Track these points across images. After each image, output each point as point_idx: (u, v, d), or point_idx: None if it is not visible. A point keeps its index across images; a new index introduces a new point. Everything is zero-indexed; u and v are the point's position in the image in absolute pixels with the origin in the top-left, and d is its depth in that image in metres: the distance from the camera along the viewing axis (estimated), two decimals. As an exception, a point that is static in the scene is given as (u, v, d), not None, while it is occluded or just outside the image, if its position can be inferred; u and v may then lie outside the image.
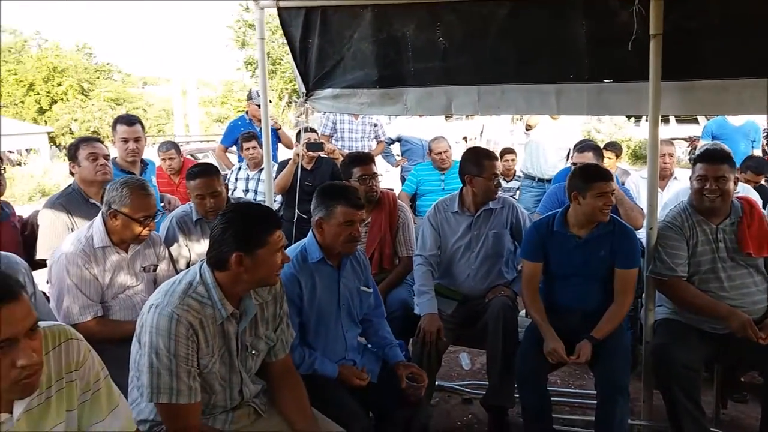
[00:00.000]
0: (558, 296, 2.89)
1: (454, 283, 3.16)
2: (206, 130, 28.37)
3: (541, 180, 5.39)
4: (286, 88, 26.68)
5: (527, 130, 5.48)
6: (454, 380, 3.72)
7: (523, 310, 3.13)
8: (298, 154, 4.18)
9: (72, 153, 3.10)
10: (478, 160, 3.06)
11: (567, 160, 5.13)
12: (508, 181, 6.16)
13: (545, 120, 5.29)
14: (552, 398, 2.81)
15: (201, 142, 16.55)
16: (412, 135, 5.75)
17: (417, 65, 3.27)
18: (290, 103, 31.87)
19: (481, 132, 20.70)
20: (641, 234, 3.16)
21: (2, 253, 2.10)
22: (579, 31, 2.90)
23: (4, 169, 2.95)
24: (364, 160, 3.27)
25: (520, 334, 2.92)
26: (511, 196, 5.85)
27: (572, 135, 5.30)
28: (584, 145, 4.20)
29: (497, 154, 4.36)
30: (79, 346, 1.53)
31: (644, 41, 2.63)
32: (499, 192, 3.14)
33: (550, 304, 2.85)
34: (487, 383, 3.09)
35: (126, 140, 3.56)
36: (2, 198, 3.02)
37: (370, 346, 2.64)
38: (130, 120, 3.64)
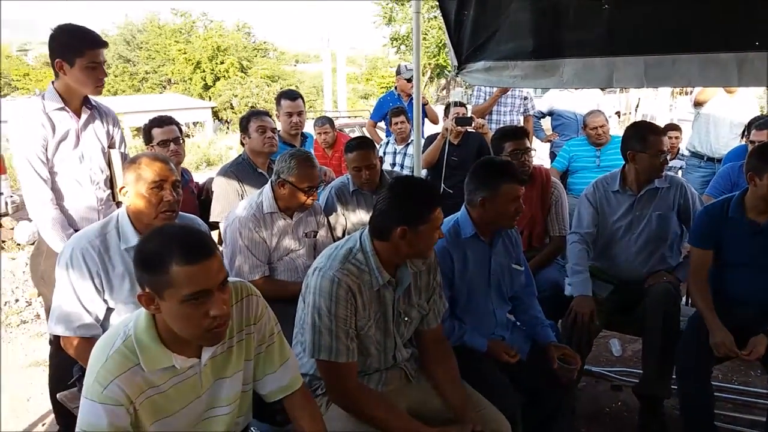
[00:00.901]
0: (729, 287, 2.64)
1: (611, 266, 3.01)
2: (352, 106, 29.32)
3: (710, 159, 4.91)
4: (429, 63, 26.71)
5: (696, 105, 5.01)
6: (603, 365, 3.58)
7: (684, 298, 2.92)
8: (447, 129, 4.17)
9: (243, 125, 3.35)
10: (642, 135, 2.85)
11: (741, 138, 4.63)
12: (670, 160, 5.72)
13: (719, 93, 4.80)
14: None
15: (348, 117, 17.11)
16: (565, 108, 5.48)
17: (576, 35, 3.09)
18: (432, 78, 31.89)
19: (637, 106, 19.32)
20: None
21: (186, 215, 2.30)
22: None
23: (183, 140, 3.27)
24: (516, 134, 3.18)
25: (682, 323, 2.73)
26: (672, 176, 5.45)
27: (750, 110, 4.76)
28: (765, 122, 3.77)
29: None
30: (258, 302, 1.68)
31: None
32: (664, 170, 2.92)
33: (718, 294, 2.61)
34: (640, 371, 2.94)
35: (290, 114, 3.79)
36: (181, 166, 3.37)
37: (519, 324, 2.61)
38: (293, 95, 3.87)
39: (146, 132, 3.21)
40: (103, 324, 2.08)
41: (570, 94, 5.42)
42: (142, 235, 2.01)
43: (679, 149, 5.71)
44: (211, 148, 16.92)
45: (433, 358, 2.13)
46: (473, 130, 4.58)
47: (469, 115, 4.65)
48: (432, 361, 2.13)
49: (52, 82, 2.54)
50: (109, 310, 2.07)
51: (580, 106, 5.32)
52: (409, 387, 2.11)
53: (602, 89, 5.78)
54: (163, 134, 3.16)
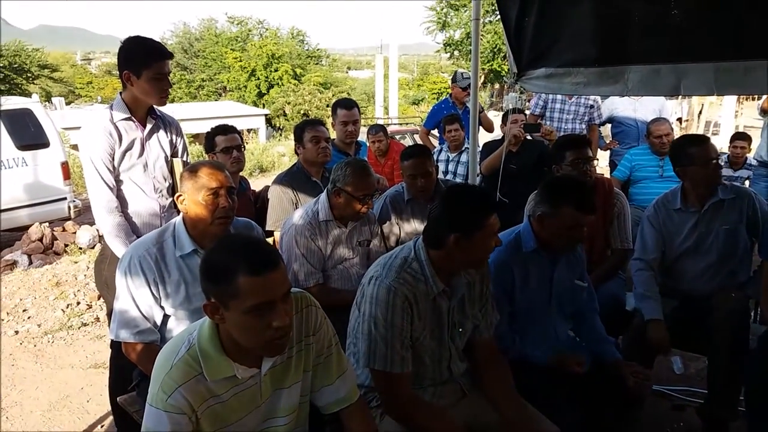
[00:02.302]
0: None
1: (676, 282, 2.89)
2: (403, 113, 29.38)
3: (779, 169, 4.68)
4: (483, 69, 26.55)
5: (763, 113, 4.78)
6: (664, 384, 3.43)
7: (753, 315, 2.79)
8: (515, 135, 4.09)
9: (298, 134, 3.37)
10: (683, 150, 2.79)
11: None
12: (736, 170, 5.48)
13: (789, 101, 4.56)
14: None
15: (399, 124, 17.14)
16: (626, 115, 5.31)
17: (643, 41, 2.99)
18: (485, 83, 31.66)
19: (700, 113, 18.61)
20: None
21: (241, 219, 2.34)
22: None
23: (244, 147, 3.33)
24: (578, 143, 3.09)
25: (751, 342, 2.59)
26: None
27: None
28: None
29: (724, 137, 3.87)
30: (317, 313, 1.67)
31: None
32: (727, 181, 2.79)
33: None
34: (704, 391, 2.82)
35: (345, 123, 3.82)
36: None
37: (578, 339, 2.52)
38: (349, 104, 3.89)
39: (209, 139, 3.30)
40: (161, 330, 2.13)
41: (631, 101, 5.25)
42: (198, 242, 2.05)
43: (746, 159, 5.46)
44: (264, 155, 17.23)
45: (486, 369, 2.08)
46: (540, 137, 4.49)
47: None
48: (486, 373, 2.08)
49: (120, 93, 2.62)
50: (166, 317, 2.11)
51: (642, 113, 5.14)
52: (464, 401, 2.08)
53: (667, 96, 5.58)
54: (226, 141, 3.25)
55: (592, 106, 5.31)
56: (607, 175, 4.83)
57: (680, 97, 11.75)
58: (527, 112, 5.68)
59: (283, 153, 18.37)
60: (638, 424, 2.90)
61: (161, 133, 2.71)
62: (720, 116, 16.92)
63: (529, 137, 4.34)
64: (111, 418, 3.12)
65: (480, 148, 4.36)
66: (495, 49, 28.13)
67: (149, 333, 2.08)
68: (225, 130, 3.29)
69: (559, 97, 5.38)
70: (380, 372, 1.86)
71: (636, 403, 2.30)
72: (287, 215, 3.05)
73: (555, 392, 2.20)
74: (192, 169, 2.09)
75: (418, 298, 1.90)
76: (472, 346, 2.11)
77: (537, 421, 2.00)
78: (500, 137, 4.62)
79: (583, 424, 2.20)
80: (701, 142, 2.80)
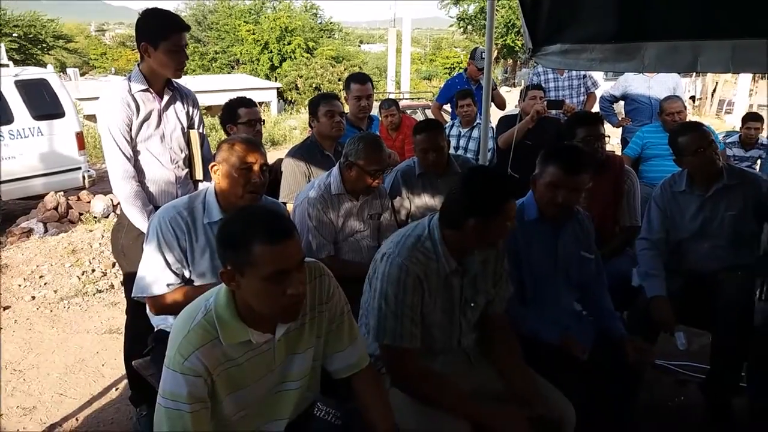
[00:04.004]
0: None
1: (682, 261, 2.90)
2: (414, 87, 29.12)
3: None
4: (497, 44, 26.19)
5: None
6: (667, 359, 3.46)
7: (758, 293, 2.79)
8: (538, 111, 4.06)
9: (313, 108, 3.39)
10: (673, 141, 2.85)
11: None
12: (747, 150, 5.44)
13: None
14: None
15: (410, 99, 17.02)
16: (639, 92, 5.27)
17: (661, 17, 2.97)
18: (498, 59, 31.27)
19: (713, 91, 18.34)
20: None
21: (270, 199, 2.40)
22: None
23: (263, 121, 3.37)
24: (590, 120, 3.08)
25: (756, 320, 2.62)
26: (749, 167, 5.17)
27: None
28: None
29: (737, 116, 3.84)
30: (330, 282, 1.72)
31: None
32: (736, 162, 2.78)
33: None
34: (707, 366, 2.87)
35: (359, 98, 3.82)
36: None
37: (585, 313, 2.56)
38: (363, 78, 3.88)
39: (231, 110, 3.29)
40: None
41: (645, 78, 5.21)
42: (226, 212, 2.10)
43: (758, 139, 5.41)
44: (275, 129, 17.24)
45: (497, 342, 2.12)
46: (562, 113, 4.47)
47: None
48: (496, 346, 2.12)
49: (138, 64, 2.64)
50: (190, 281, 2.17)
51: (656, 91, 5.11)
52: (471, 370, 2.12)
53: (682, 74, 5.54)
54: (249, 114, 3.27)
55: (584, 76, 5.36)
56: (619, 152, 4.82)
57: (694, 75, 11.57)
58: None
59: (294, 126, 18.34)
60: (640, 399, 2.96)
61: (178, 104, 2.74)
62: (734, 94, 16.67)
63: (558, 113, 4.33)
64: (125, 381, 3.22)
65: (492, 124, 4.35)
66: (509, 24, 27.72)
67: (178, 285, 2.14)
68: (248, 103, 3.30)
69: (551, 73, 5.40)
70: (389, 346, 1.91)
71: (636, 378, 2.32)
72: (300, 188, 3.09)
73: (562, 366, 2.25)
74: (230, 142, 2.13)
75: (429, 276, 1.93)
76: (483, 319, 2.15)
77: (545, 390, 2.04)
78: (516, 112, 4.61)
79: (588, 396, 2.26)
80: (689, 131, 2.80)
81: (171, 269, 2.11)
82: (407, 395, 1.93)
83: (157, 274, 2.10)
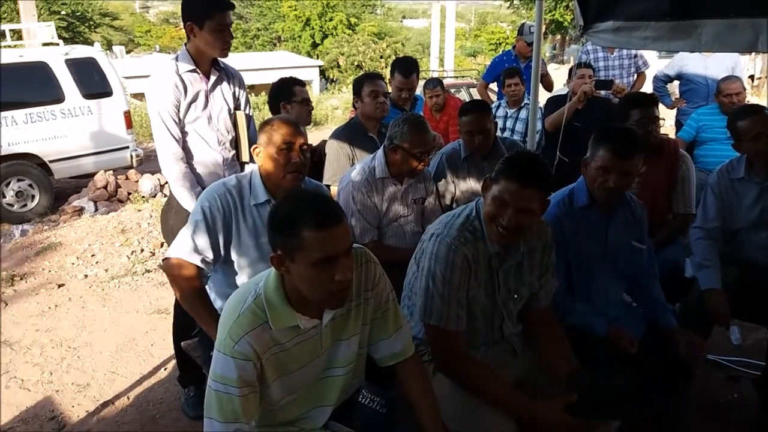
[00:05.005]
0: None
1: (737, 250, 2.79)
2: (459, 65, 28.66)
3: None
4: (545, 19, 25.48)
5: None
6: (721, 354, 3.36)
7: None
8: (585, 92, 3.95)
9: (357, 89, 3.36)
10: (732, 126, 2.72)
11: None
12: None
13: None
14: None
15: (455, 78, 16.74)
16: (696, 72, 5.04)
17: (720, -6, 2.83)
18: (546, 35, 30.45)
19: (774, 70, 17.47)
20: None
21: (313, 181, 2.39)
22: None
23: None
24: (644, 101, 2.96)
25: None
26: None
27: None
28: None
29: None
30: (375, 269, 1.71)
31: None
32: None
33: None
34: (762, 363, 2.78)
35: (400, 89, 3.80)
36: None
37: (634, 305, 2.49)
38: (408, 70, 3.82)
39: (287, 87, 3.30)
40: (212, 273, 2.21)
41: (702, 57, 4.98)
42: (272, 193, 2.11)
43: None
44: (318, 108, 17.20)
45: (543, 336, 2.09)
46: (610, 93, 4.33)
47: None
48: (542, 340, 2.09)
49: (185, 44, 2.66)
50: (229, 261, 2.16)
51: (713, 71, 4.88)
52: (515, 360, 2.10)
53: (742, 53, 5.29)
54: (303, 93, 3.30)
55: (635, 55, 5.18)
56: (673, 135, 4.64)
57: (754, 53, 11.06)
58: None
59: (336, 106, 18.28)
60: (691, 394, 2.88)
61: (224, 85, 2.76)
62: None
63: (606, 93, 4.19)
64: (174, 362, 3.30)
65: (541, 105, 4.24)
66: (557, -2, 26.92)
67: (207, 265, 2.13)
68: (301, 82, 3.35)
69: (600, 53, 5.21)
70: (435, 327, 1.90)
71: (687, 373, 2.26)
72: (344, 170, 3.07)
73: (610, 359, 2.20)
74: (268, 123, 2.13)
75: (478, 257, 1.91)
76: (529, 313, 2.12)
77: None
78: (564, 92, 4.47)
79: (637, 390, 2.20)
80: (749, 114, 2.67)
81: (210, 243, 2.08)
82: (451, 380, 1.93)
83: (196, 244, 2.08)
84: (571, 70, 4.49)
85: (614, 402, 1.92)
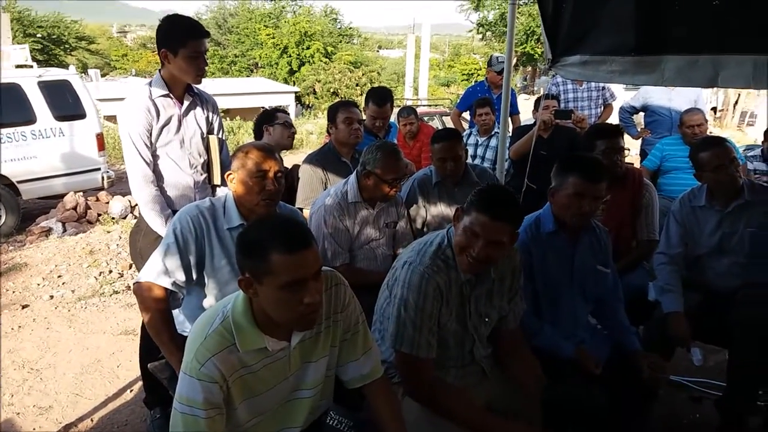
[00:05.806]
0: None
1: (700, 276, 2.87)
2: (432, 94, 29.07)
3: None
4: (516, 51, 26.12)
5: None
6: (684, 375, 3.42)
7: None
8: (544, 122, 4.07)
9: (331, 115, 3.41)
10: (693, 156, 2.82)
11: None
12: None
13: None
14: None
15: (428, 106, 16.99)
16: (660, 104, 5.23)
17: (682, 31, 2.94)
18: (518, 66, 31.15)
19: (735, 103, 18.10)
20: None
21: (287, 206, 2.39)
22: None
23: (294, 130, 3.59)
24: (610, 132, 3.07)
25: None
26: (770, 182, 5.10)
27: None
28: None
29: (759, 128, 3.79)
30: (345, 291, 1.73)
31: None
32: (757, 177, 2.74)
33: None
34: (723, 384, 2.83)
35: (375, 118, 3.88)
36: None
37: (600, 327, 2.54)
38: (381, 101, 3.91)
39: (269, 113, 3.54)
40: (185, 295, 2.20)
41: (666, 90, 5.16)
42: (245, 218, 2.11)
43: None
44: (292, 133, 17.21)
45: (512, 357, 2.12)
46: (571, 124, 4.45)
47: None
48: (511, 361, 2.12)
49: (159, 70, 2.68)
50: (200, 283, 2.15)
51: (677, 103, 5.06)
52: (485, 383, 2.12)
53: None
54: (285, 117, 3.50)
55: (603, 88, 5.37)
56: (638, 164, 4.78)
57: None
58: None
59: (311, 131, 18.34)
60: (654, 414, 2.93)
61: (198, 110, 2.77)
62: (756, 106, 16.42)
63: (569, 124, 4.30)
64: (140, 383, 3.24)
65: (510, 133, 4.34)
66: (528, 32, 27.63)
67: (179, 288, 2.11)
68: (283, 110, 3.59)
69: (570, 84, 5.39)
70: (407, 354, 1.91)
71: (651, 394, 2.30)
72: (316, 194, 3.10)
73: (575, 379, 2.23)
74: (244, 150, 2.13)
75: (450, 284, 1.94)
76: (498, 335, 2.15)
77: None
78: (532, 122, 4.59)
79: (602, 411, 2.23)
80: (711, 146, 2.77)
81: (182, 264, 2.08)
82: (420, 405, 1.94)
83: (166, 266, 2.08)
84: (537, 101, 4.61)
85: (586, 414, 1.96)
